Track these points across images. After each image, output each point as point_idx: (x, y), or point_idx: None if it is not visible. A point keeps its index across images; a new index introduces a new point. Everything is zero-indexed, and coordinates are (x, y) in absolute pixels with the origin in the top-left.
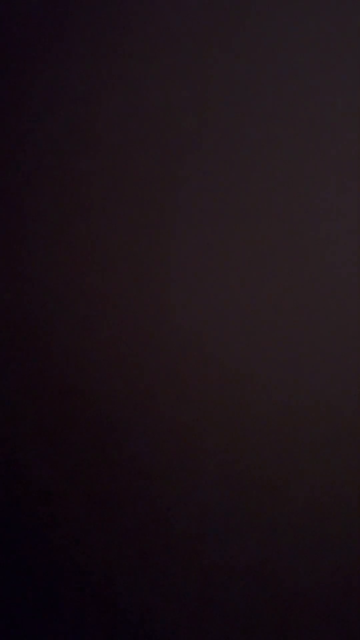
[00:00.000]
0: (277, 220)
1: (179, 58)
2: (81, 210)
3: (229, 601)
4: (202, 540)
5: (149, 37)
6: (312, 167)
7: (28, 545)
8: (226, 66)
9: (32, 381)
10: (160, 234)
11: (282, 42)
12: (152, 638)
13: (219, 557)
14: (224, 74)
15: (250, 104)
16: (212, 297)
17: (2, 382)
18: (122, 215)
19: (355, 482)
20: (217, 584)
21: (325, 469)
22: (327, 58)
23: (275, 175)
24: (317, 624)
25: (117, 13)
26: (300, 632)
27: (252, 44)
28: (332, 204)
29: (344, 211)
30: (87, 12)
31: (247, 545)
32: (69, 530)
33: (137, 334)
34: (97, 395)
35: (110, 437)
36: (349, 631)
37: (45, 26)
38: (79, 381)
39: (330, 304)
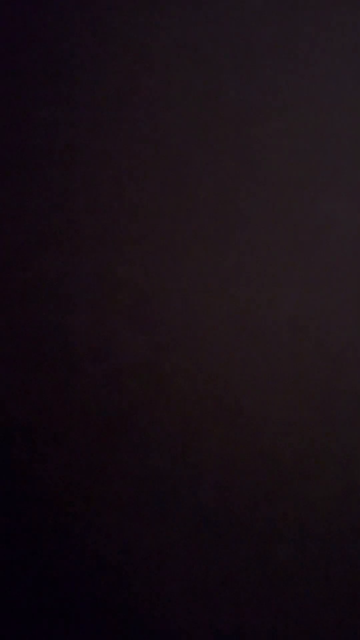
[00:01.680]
0: (280, 223)
1: (180, 57)
2: (82, 212)
3: (230, 603)
4: (203, 541)
5: (152, 34)
6: (316, 170)
7: (28, 545)
8: (229, 64)
9: (32, 382)
10: (162, 237)
11: (283, 40)
12: (154, 632)
13: (219, 557)
14: (226, 72)
15: (251, 103)
16: (213, 299)
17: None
18: (123, 217)
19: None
20: (217, 584)
21: (327, 473)
22: (330, 56)
23: (278, 177)
24: (317, 627)
25: (118, 12)
26: (301, 633)
27: (255, 43)
28: (337, 208)
29: (351, 215)
30: (87, 11)
31: (248, 545)
32: (69, 529)
33: (137, 334)
34: (97, 397)
35: (108, 439)
36: (350, 632)
37: (46, 25)
38: (78, 382)
39: (333, 306)
